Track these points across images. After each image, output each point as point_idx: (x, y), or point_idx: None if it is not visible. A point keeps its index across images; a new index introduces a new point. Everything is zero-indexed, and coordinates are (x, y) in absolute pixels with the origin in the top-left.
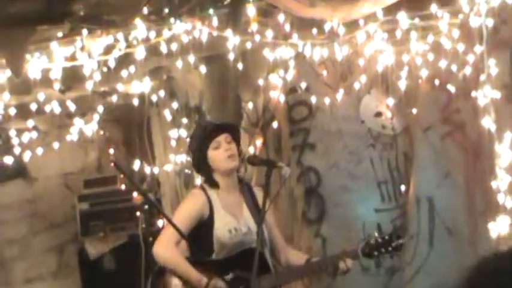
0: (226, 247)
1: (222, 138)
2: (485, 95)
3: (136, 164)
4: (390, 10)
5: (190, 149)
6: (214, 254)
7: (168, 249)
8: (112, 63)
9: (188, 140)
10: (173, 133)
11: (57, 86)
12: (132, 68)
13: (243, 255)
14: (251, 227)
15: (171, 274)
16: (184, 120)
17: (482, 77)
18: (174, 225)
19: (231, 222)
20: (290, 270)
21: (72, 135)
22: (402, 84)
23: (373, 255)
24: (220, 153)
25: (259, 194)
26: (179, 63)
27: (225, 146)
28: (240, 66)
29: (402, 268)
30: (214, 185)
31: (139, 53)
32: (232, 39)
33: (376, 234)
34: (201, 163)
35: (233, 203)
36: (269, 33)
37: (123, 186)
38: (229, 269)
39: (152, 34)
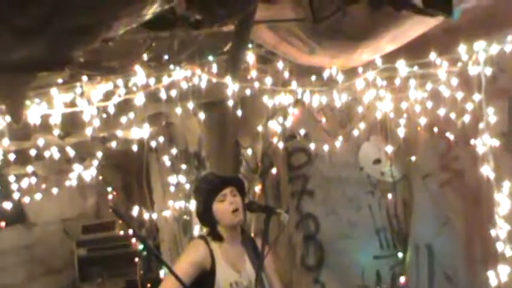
0: None
1: (228, 192)
2: (484, 143)
3: (135, 210)
4: (389, 58)
5: (195, 200)
6: None
7: None
8: (111, 110)
9: (192, 187)
10: (172, 179)
11: (56, 132)
12: (131, 114)
13: None
14: (252, 280)
15: None
16: (183, 166)
17: (481, 125)
18: (173, 273)
19: (233, 276)
20: None
21: (71, 181)
22: (401, 132)
23: None
24: (225, 206)
25: (259, 243)
26: (178, 110)
27: (230, 200)
28: (239, 112)
29: None
30: (217, 237)
31: (139, 99)
32: (232, 86)
33: (377, 287)
34: (205, 215)
35: (235, 255)
36: (268, 80)
37: (121, 232)
38: None
39: (152, 81)
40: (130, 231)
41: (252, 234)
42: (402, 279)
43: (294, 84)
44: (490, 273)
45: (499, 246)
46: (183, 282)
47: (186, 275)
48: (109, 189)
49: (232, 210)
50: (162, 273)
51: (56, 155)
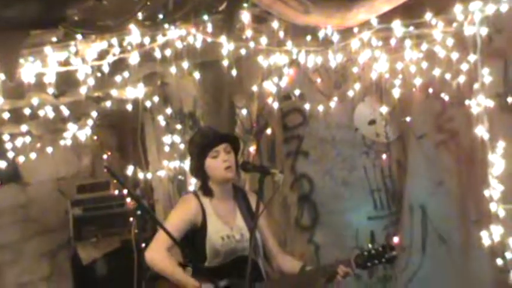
0: (219, 254)
1: (222, 148)
2: (479, 103)
3: (129, 170)
4: (385, 18)
5: (189, 153)
6: (207, 261)
7: (160, 254)
8: (106, 69)
9: (187, 144)
10: (167, 139)
11: (51, 90)
12: (126, 74)
13: (236, 262)
14: (244, 234)
15: (164, 281)
16: (178, 126)
17: (476, 86)
18: (166, 231)
19: (224, 230)
20: (284, 278)
21: (66, 140)
22: (396, 92)
23: (366, 266)
24: (218, 162)
25: (253, 199)
26: (173, 69)
27: (223, 156)
28: (234, 72)
29: (395, 276)
30: (208, 192)
31: (134, 58)
32: (227, 46)
33: (370, 245)
34: (197, 170)
35: (226, 210)
36: (263, 40)
37: (116, 192)
38: (222, 276)
39: (146, 40)
40: (125, 191)
41: None
42: (396, 239)
43: (289, 44)
44: (483, 233)
45: (493, 207)
46: (175, 239)
47: (177, 230)
48: (104, 148)
49: (224, 168)
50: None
51: (51, 114)
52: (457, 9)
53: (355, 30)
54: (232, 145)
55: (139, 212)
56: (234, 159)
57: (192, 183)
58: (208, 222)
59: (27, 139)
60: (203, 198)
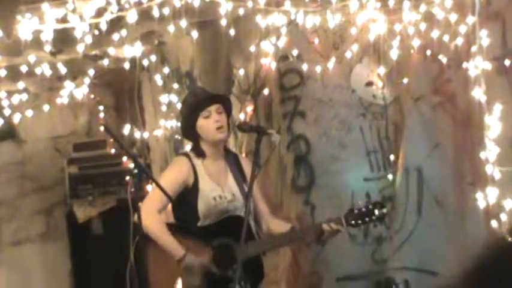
0: (211, 214)
1: (213, 109)
2: (477, 66)
3: (126, 129)
4: None
5: (181, 114)
6: (200, 222)
7: (149, 215)
8: (103, 27)
9: (179, 105)
10: (164, 98)
11: (48, 48)
12: (123, 32)
13: (228, 222)
14: (236, 195)
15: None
16: (175, 86)
17: (474, 48)
18: (162, 189)
19: (216, 190)
20: (275, 237)
21: (63, 99)
22: (394, 54)
23: (356, 224)
24: (209, 123)
25: (245, 163)
26: (171, 28)
27: (215, 117)
28: (232, 32)
29: (390, 237)
30: (200, 153)
31: (131, 16)
32: (225, 5)
33: (360, 202)
34: (189, 130)
35: (218, 171)
36: (262, 0)
37: (112, 151)
38: (214, 235)
39: None
40: (122, 149)
41: (243, 154)
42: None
43: (287, 5)
44: (479, 196)
45: (488, 169)
46: (171, 197)
47: (170, 190)
48: (100, 107)
49: (216, 128)
50: (150, 188)
51: (48, 72)
52: None
53: None
54: (224, 106)
55: (135, 171)
56: (225, 120)
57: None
58: (200, 182)
59: (24, 96)
60: (195, 159)
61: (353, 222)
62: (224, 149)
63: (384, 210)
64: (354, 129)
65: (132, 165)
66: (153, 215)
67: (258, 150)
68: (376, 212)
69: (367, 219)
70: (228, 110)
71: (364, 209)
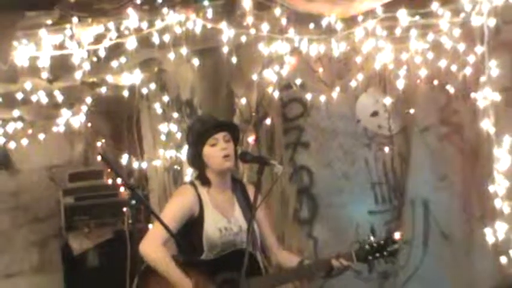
0: (216, 247)
1: (221, 136)
2: (485, 97)
3: (124, 158)
4: (390, 7)
5: (187, 141)
6: (204, 254)
7: (154, 247)
8: (102, 53)
9: (184, 132)
10: (163, 127)
11: (44, 75)
12: (122, 59)
13: (234, 256)
14: (243, 227)
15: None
16: (175, 114)
17: (483, 79)
18: (162, 223)
19: (222, 221)
20: (281, 272)
21: (59, 127)
22: (400, 84)
23: (367, 260)
24: (216, 151)
25: (251, 192)
26: (171, 55)
27: (222, 145)
28: (234, 60)
29: (396, 272)
30: (205, 182)
31: (131, 43)
32: (227, 32)
33: (372, 238)
34: (195, 158)
35: (224, 201)
36: (265, 27)
37: (109, 181)
38: (219, 269)
39: (144, 24)
40: (119, 180)
41: None
42: (397, 235)
43: (291, 32)
44: (487, 230)
45: (497, 203)
46: (171, 230)
47: (174, 221)
48: (98, 136)
49: (223, 156)
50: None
51: (44, 100)
52: None
53: (360, 18)
54: (232, 134)
55: (133, 202)
56: (233, 148)
57: (189, 173)
58: (206, 213)
59: (19, 125)
60: (200, 188)
61: (364, 257)
62: (231, 177)
63: (396, 246)
64: (358, 160)
65: (129, 196)
66: (156, 247)
67: (260, 181)
68: (388, 248)
69: (378, 255)
70: (235, 139)
71: (375, 245)
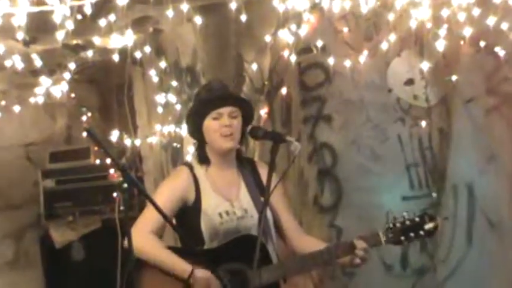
0: (217, 234)
1: (227, 111)
2: None
3: (114, 135)
4: None
5: (189, 110)
6: (206, 244)
7: (140, 236)
8: (88, 10)
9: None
10: (160, 98)
11: (20, 35)
12: (112, 17)
13: (239, 243)
14: (249, 211)
15: (151, 269)
16: (174, 83)
17: None
18: (158, 209)
19: (222, 205)
20: (295, 259)
21: (37, 98)
22: (440, 46)
23: (399, 241)
24: (216, 125)
25: (264, 172)
26: (169, 13)
27: (225, 121)
28: (243, 18)
29: (434, 268)
30: (204, 160)
31: None
32: None
33: (405, 214)
34: (194, 130)
35: (227, 182)
36: None
37: (97, 161)
38: (223, 259)
39: None
40: (108, 160)
41: None
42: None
43: None
44: None
45: None
46: (166, 214)
47: (168, 202)
48: (83, 109)
49: (222, 134)
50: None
51: (19, 65)
52: None
53: None
54: (243, 111)
55: (125, 186)
56: (239, 127)
57: (190, 151)
58: (203, 197)
59: None
60: (198, 168)
61: (396, 238)
62: (237, 156)
63: (435, 224)
64: (390, 138)
65: (120, 179)
66: (145, 234)
67: (274, 161)
68: (426, 225)
69: (412, 234)
70: (247, 117)
71: (408, 222)
